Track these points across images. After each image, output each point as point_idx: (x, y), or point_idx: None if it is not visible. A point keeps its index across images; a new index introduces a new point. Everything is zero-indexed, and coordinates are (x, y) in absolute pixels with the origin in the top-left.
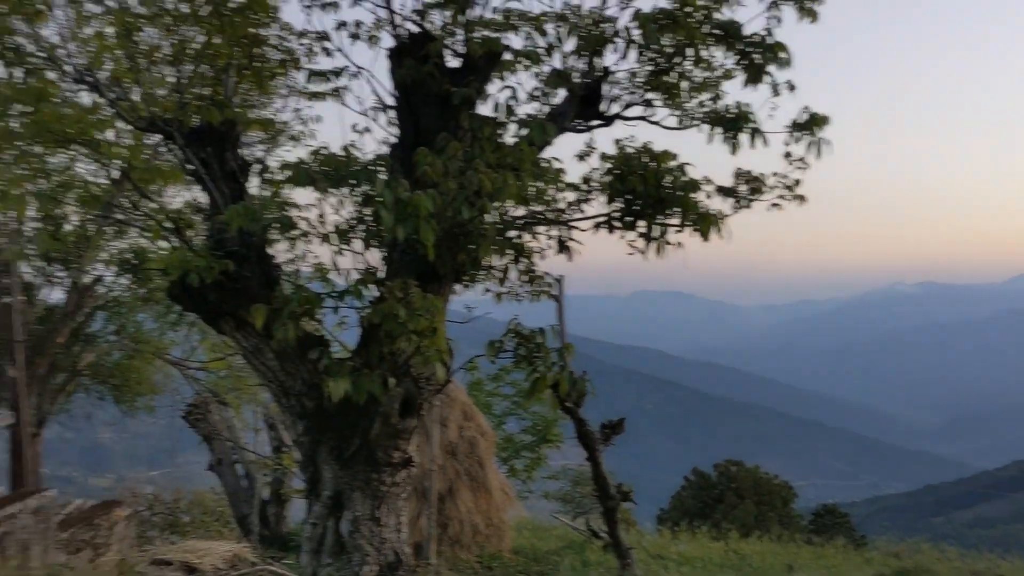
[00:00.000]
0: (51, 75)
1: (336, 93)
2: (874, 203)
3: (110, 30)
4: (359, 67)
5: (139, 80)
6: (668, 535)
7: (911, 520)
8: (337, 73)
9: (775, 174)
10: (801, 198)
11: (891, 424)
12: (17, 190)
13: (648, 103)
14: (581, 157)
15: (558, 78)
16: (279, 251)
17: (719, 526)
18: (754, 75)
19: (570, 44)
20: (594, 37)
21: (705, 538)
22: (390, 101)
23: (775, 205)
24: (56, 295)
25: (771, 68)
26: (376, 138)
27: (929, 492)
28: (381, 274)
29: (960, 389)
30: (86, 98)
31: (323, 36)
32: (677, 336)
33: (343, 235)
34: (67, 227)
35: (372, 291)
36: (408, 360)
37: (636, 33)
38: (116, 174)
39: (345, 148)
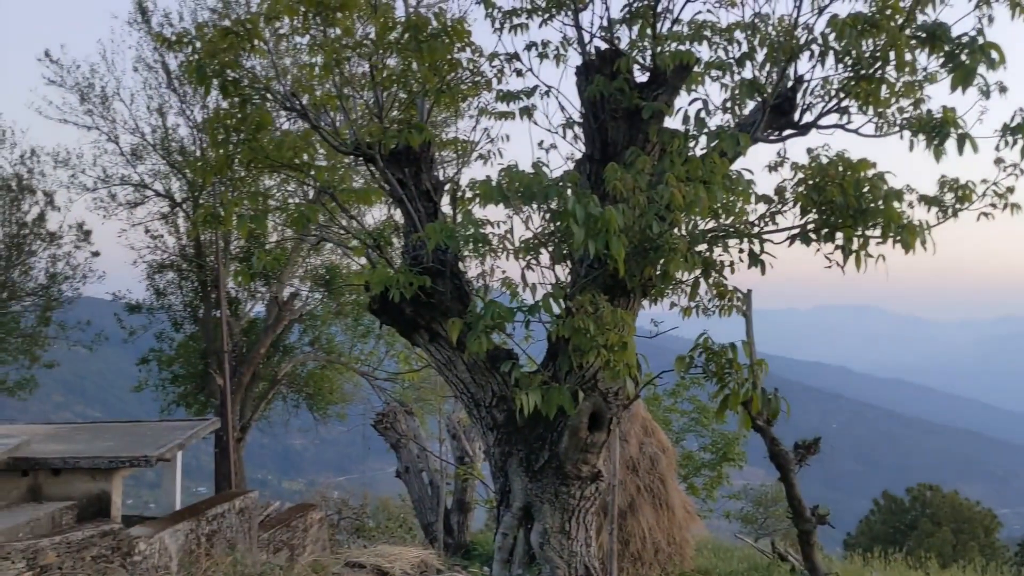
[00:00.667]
0: (261, 103)
1: (525, 112)
2: None
3: (316, 59)
4: (547, 86)
5: (343, 106)
6: (858, 561)
7: None
8: (528, 93)
9: (984, 181)
10: (1015, 206)
11: None
12: (234, 212)
13: (844, 111)
14: (772, 168)
15: (750, 88)
16: (469, 267)
17: (914, 554)
18: (962, 78)
19: (762, 53)
20: (787, 45)
21: (901, 566)
22: (577, 117)
23: (985, 214)
24: (258, 309)
25: (981, 69)
26: (563, 154)
27: None
28: (569, 289)
29: None
30: (287, 123)
31: (513, 57)
32: (863, 352)
33: (532, 250)
34: (267, 246)
35: (561, 305)
36: (596, 374)
37: (833, 39)
38: (312, 194)
39: (534, 165)
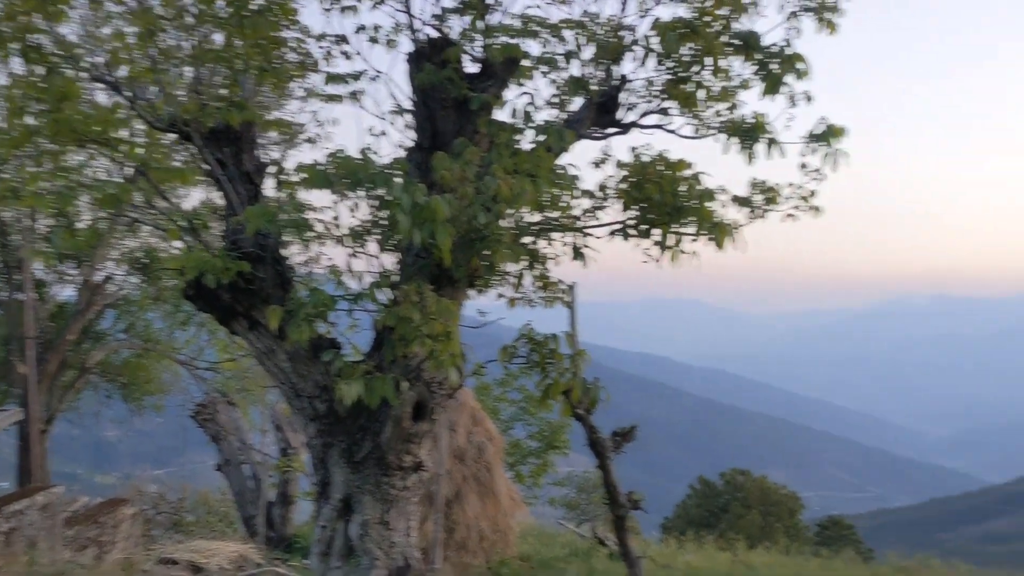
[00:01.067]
0: (70, 74)
1: (354, 96)
2: (887, 212)
3: (130, 30)
4: (377, 71)
5: (159, 80)
6: (674, 544)
7: (919, 534)
8: (356, 77)
9: (791, 185)
10: (816, 209)
11: (899, 436)
12: (35, 188)
13: (664, 112)
14: (597, 164)
15: (576, 85)
16: (293, 253)
17: (725, 536)
18: (772, 86)
19: (588, 51)
20: (613, 45)
21: (712, 548)
22: (407, 105)
23: (790, 215)
24: (67, 292)
25: (789, 79)
26: (392, 141)
27: (936, 505)
28: (395, 277)
29: (969, 402)
30: (101, 97)
31: (342, 39)
32: (686, 343)
33: (358, 238)
34: (79, 225)
35: (386, 294)
36: (421, 364)
37: (655, 42)
38: (129, 173)
39: (362, 151)
